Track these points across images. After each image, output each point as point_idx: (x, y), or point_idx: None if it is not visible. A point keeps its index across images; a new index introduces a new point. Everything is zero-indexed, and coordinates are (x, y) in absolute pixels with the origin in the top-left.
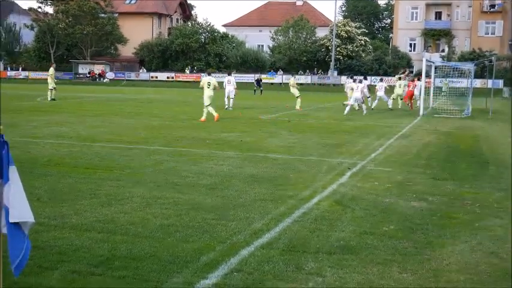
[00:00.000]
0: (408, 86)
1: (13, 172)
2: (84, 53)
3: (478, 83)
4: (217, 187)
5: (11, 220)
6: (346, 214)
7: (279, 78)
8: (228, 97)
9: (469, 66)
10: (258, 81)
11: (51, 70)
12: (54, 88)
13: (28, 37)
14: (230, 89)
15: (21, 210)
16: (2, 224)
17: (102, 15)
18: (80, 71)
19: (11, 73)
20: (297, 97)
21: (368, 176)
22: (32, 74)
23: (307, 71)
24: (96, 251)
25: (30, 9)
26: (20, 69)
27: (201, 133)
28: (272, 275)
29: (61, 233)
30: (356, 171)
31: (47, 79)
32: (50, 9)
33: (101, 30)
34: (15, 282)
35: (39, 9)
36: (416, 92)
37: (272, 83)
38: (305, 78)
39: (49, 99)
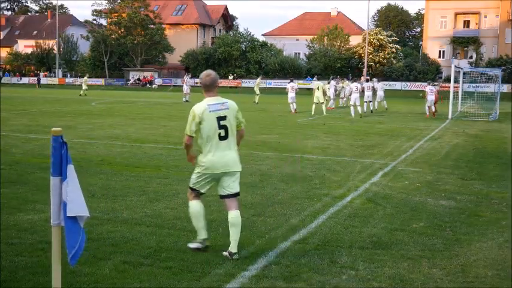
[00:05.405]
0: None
1: (71, 170)
2: (135, 61)
3: (505, 88)
4: (257, 185)
5: (68, 214)
6: (378, 211)
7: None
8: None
9: (497, 72)
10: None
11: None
12: (85, 89)
13: (84, 47)
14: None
15: (77, 205)
16: (60, 218)
17: (151, 26)
18: (131, 77)
19: (68, 80)
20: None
21: (399, 176)
22: (88, 81)
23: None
24: (145, 243)
25: (86, 21)
26: (78, 76)
27: None
28: (308, 268)
29: (113, 227)
30: (387, 171)
31: (100, 85)
32: (103, 22)
33: (150, 40)
34: (72, 271)
35: (94, 22)
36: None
37: (308, 88)
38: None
39: (82, 94)
